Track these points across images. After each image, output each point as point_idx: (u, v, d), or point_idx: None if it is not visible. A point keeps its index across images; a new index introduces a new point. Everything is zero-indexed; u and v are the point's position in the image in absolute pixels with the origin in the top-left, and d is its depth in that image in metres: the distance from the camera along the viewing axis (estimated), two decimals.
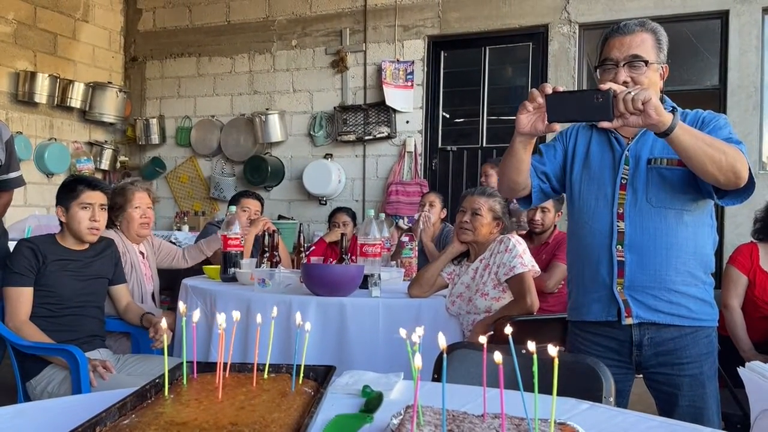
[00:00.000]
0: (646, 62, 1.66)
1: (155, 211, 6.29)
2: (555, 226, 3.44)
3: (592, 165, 1.79)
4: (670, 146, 1.53)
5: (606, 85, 1.48)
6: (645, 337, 1.71)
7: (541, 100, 1.53)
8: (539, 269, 2.52)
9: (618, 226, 1.71)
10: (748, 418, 0.88)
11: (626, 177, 1.72)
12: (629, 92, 1.45)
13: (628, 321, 1.70)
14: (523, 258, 2.39)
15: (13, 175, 2.84)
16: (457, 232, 2.56)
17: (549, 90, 1.51)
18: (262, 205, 3.78)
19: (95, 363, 2.21)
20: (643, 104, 1.43)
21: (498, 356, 0.87)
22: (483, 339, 0.94)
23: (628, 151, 1.73)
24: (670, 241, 1.68)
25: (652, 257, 1.68)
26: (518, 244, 2.43)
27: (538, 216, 3.38)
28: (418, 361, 0.84)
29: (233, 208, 3.16)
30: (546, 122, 1.55)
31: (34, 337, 2.31)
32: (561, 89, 1.52)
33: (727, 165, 1.51)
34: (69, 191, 2.49)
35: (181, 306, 1.28)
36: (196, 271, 3.45)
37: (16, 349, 2.31)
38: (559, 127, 1.59)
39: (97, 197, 2.50)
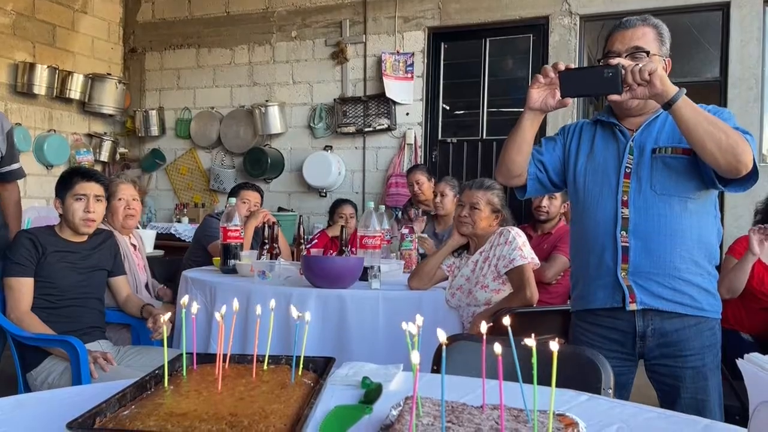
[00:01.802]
0: (648, 53, 1.68)
1: (153, 203, 6.35)
2: (562, 218, 3.43)
3: (597, 156, 1.80)
4: (673, 118, 1.56)
5: (615, 60, 1.57)
6: (649, 328, 1.72)
7: (553, 75, 1.60)
8: (539, 261, 2.52)
9: (622, 212, 1.72)
10: (747, 410, 0.89)
11: (630, 166, 1.73)
12: (636, 64, 1.53)
13: (632, 307, 1.70)
14: (522, 250, 2.39)
15: (15, 166, 2.85)
16: (456, 225, 2.56)
17: (562, 67, 1.59)
18: (262, 197, 3.78)
19: (96, 355, 2.21)
20: (649, 75, 1.50)
21: (497, 348, 0.87)
22: (484, 327, 0.94)
23: (632, 141, 1.74)
24: (675, 228, 1.68)
25: (656, 243, 1.69)
26: (518, 236, 2.43)
27: (545, 203, 3.36)
28: (415, 359, 0.84)
29: (233, 200, 3.16)
30: (557, 98, 1.63)
31: (36, 328, 2.31)
32: (572, 66, 1.60)
33: (727, 145, 1.52)
34: (64, 183, 2.48)
35: (182, 297, 1.28)
36: (197, 263, 3.46)
37: (17, 341, 2.32)
38: (571, 101, 1.65)
39: (91, 188, 2.47)
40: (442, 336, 0.88)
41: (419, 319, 0.95)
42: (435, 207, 3.93)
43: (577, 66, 1.62)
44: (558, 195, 3.34)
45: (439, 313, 2.51)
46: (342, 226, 3.13)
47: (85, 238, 2.53)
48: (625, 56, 1.67)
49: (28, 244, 2.38)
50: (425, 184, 4.30)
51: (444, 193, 3.84)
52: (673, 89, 1.51)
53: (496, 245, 2.45)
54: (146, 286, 3.10)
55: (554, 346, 0.86)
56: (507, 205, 2.62)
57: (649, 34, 1.71)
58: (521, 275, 2.37)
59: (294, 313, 1.25)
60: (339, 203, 4.32)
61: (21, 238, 2.41)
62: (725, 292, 2.75)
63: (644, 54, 1.67)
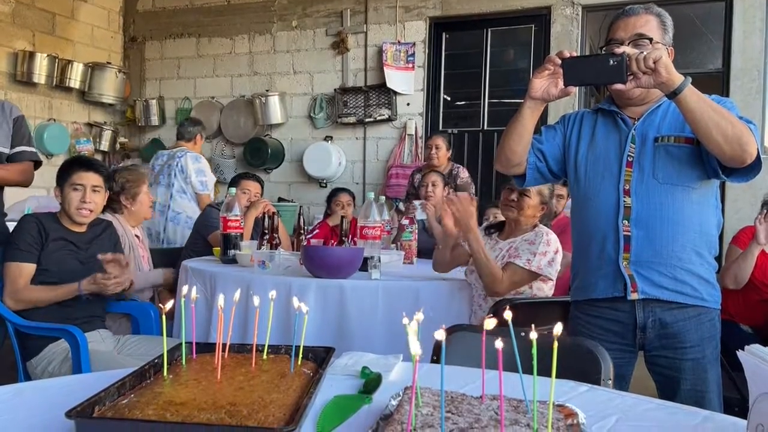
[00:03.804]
0: (650, 40, 1.67)
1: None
2: (562, 211, 3.42)
3: (598, 145, 1.79)
4: (678, 108, 1.54)
5: (620, 49, 1.54)
6: (649, 319, 1.71)
7: (558, 62, 1.58)
8: (545, 275, 2.37)
9: (624, 201, 1.71)
10: (746, 402, 0.88)
11: (632, 155, 1.72)
12: (641, 53, 1.51)
13: (633, 296, 1.70)
14: (535, 257, 2.31)
15: (29, 148, 2.71)
16: (501, 208, 2.48)
17: (566, 54, 1.56)
18: (262, 187, 3.78)
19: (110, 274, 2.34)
20: (654, 63, 1.48)
21: (499, 343, 0.87)
22: (488, 324, 0.94)
23: (634, 130, 1.73)
24: (677, 217, 1.68)
25: (658, 232, 1.68)
26: (545, 244, 2.33)
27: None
28: (414, 349, 0.84)
29: (233, 190, 3.15)
30: (560, 87, 1.60)
31: (40, 294, 2.32)
32: (576, 54, 1.57)
33: (733, 135, 1.51)
34: (64, 172, 2.48)
35: (182, 288, 1.28)
36: (197, 252, 3.45)
37: (17, 329, 2.32)
38: (574, 90, 1.63)
39: (89, 178, 2.46)
40: (440, 335, 0.88)
41: (419, 315, 0.95)
42: (426, 197, 3.85)
43: (580, 54, 1.59)
44: (565, 194, 3.32)
45: (438, 303, 2.51)
46: (342, 217, 3.12)
47: (84, 227, 2.53)
48: (628, 44, 1.66)
49: (33, 228, 2.37)
50: (443, 149, 4.33)
51: (435, 183, 3.79)
52: (678, 78, 1.50)
53: (524, 240, 2.40)
54: None
55: (558, 328, 0.86)
56: None
57: (652, 22, 1.69)
58: (513, 272, 2.30)
59: (295, 303, 1.24)
60: (337, 192, 4.31)
61: (27, 222, 2.40)
62: (730, 283, 2.75)
63: (647, 41, 1.66)
